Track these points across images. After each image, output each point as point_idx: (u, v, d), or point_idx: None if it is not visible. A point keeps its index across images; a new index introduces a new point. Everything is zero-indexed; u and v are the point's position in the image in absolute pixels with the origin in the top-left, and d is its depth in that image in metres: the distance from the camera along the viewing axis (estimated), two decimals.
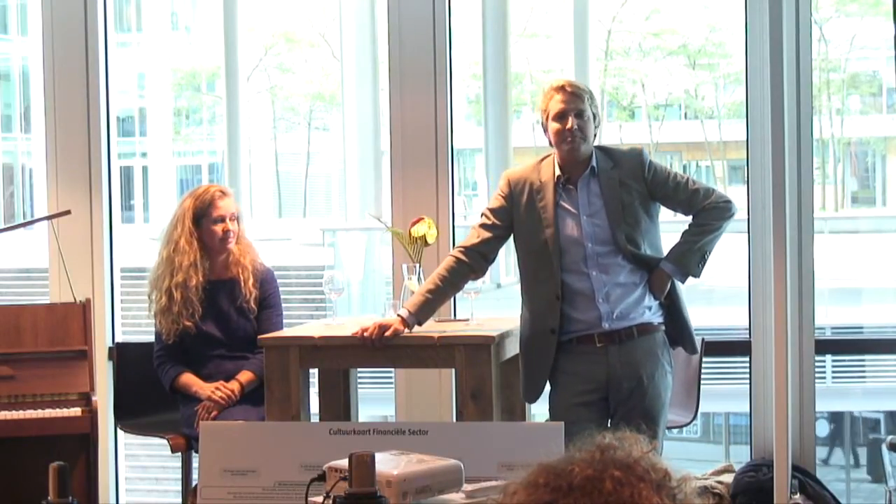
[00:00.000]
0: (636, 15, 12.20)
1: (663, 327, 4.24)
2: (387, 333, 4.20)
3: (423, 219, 4.67)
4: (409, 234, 4.65)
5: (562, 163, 4.23)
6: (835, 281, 8.85)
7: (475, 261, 4.31)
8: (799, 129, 4.95)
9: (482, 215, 4.37)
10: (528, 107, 12.72)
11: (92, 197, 5.43)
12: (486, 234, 4.31)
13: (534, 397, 4.32)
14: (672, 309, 4.25)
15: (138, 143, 12.33)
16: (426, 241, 4.64)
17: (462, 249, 4.33)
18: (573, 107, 4.17)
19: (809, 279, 5.01)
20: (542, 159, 4.29)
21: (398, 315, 4.26)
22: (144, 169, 12.19)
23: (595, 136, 4.25)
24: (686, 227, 4.28)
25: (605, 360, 4.18)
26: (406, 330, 4.23)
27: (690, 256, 4.20)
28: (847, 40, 11.54)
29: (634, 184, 4.21)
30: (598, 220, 4.20)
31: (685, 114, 13.55)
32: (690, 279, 4.28)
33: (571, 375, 4.20)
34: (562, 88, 4.20)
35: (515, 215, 4.27)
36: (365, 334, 4.21)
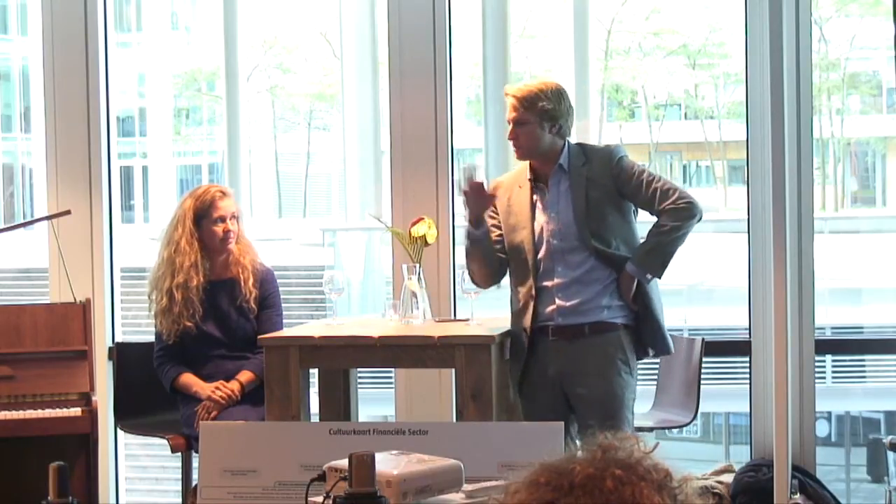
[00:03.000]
0: (636, 15, 12.19)
1: (624, 328, 4.24)
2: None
3: (423, 219, 4.67)
4: (409, 234, 4.65)
5: (533, 164, 4.33)
6: (835, 281, 8.85)
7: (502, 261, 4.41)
8: (799, 129, 4.95)
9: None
10: None
11: (92, 197, 5.43)
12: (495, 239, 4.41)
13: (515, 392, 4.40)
14: (642, 310, 4.24)
15: (138, 143, 12.33)
16: (426, 241, 4.64)
17: None
18: (511, 116, 4.27)
19: (809, 279, 5.01)
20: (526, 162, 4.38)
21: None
22: (144, 169, 12.18)
23: (559, 133, 4.25)
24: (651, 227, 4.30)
25: (556, 355, 4.24)
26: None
27: (652, 257, 4.21)
28: (847, 40, 11.53)
29: (602, 180, 4.25)
30: (565, 216, 4.25)
31: (685, 114, 13.55)
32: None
33: (530, 365, 4.29)
34: (506, 96, 4.31)
35: (502, 221, 4.35)
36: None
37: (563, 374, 4.24)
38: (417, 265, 4.58)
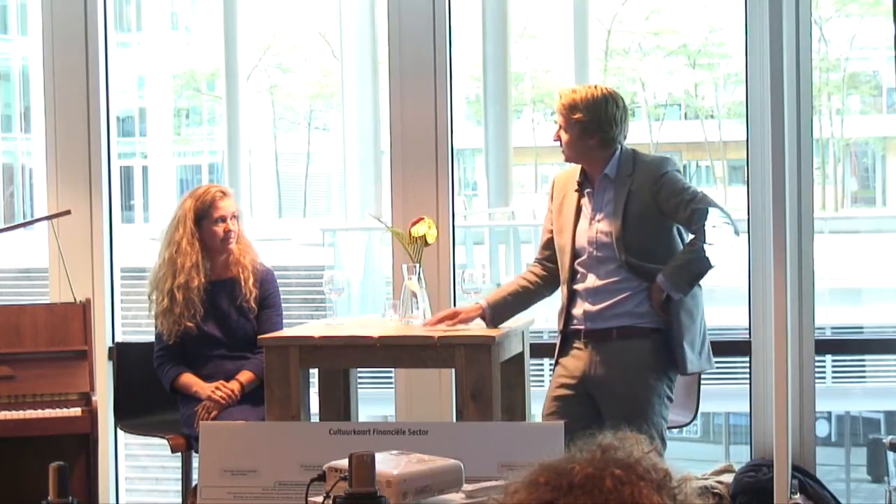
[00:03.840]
0: (636, 15, 12.21)
1: (655, 333, 4.22)
2: (455, 320, 4.27)
3: (423, 219, 4.67)
4: (409, 234, 4.64)
5: (586, 168, 4.33)
6: (835, 281, 8.86)
7: (546, 268, 4.42)
8: (799, 129, 4.95)
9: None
10: (529, 107, 12.72)
11: (92, 197, 5.42)
12: (545, 239, 4.46)
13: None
14: (668, 324, 4.22)
15: (138, 143, 12.35)
16: (426, 241, 4.63)
17: (535, 260, 4.48)
18: (559, 120, 4.28)
19: (809, 279, 5.01)
20: None
21: (477, 303, 4.35)
22: (144, 169, 12.21)
23: (601, 143, 4.22)
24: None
25: (586, 357, 4.26)
26: (481, 321, 4.33)
27: (680, 274, 4.19)
28: (847, 40, 11.55)
29: (643, 194, 4.21)
30: (604, 225, 4.23)
31: (685, 114, 13.56)
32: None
33: (560, 366, 4.32)
34: (557, 99, 4.32)
35: (553, 219, 4.39)
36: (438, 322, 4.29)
37: (591, 378, 4.24)
38: (417, 265, 4.57)
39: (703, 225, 4.15)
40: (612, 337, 4.22)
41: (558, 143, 4.29)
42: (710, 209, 4.17)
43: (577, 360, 4.27)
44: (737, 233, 4.23)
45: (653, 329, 4.22)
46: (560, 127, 4.26)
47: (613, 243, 4.20)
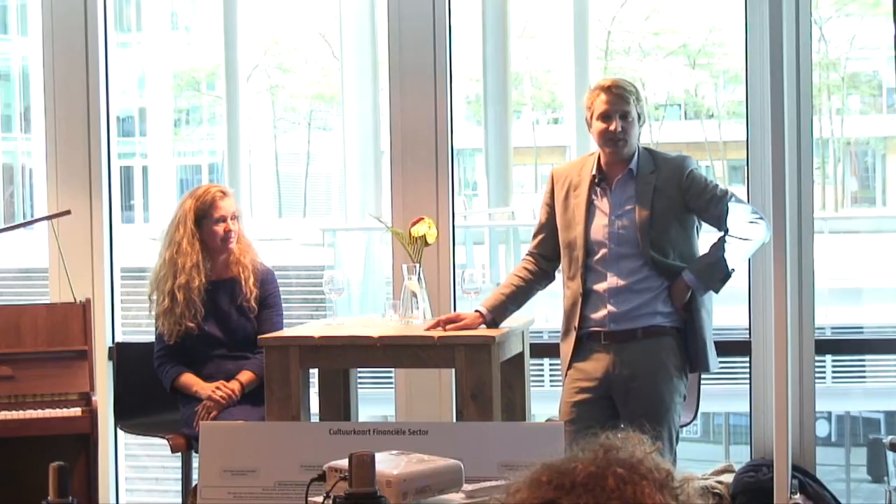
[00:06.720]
0: (636, 15, 12.22)
1: (675, 332, 4.22)
2: (460, 324, 4.22)
3: (423, 219, 4.67)
4: (409, 234, 4.64)
5: (604, 162, 4.27)
6: (835, 281, 8.86)
7: (539, 263, 4.40)
8: (799, 129, 4.95)
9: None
10: (528, 106, 12.72)
11: (92, 197, 5.42)
12: (540, 236, 4.41)
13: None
14: (689, 323, 4.22)
15: (138, 143, 12.36)
16: (426, 241, 4.63)
17: (528, 254, 4.45)
18: (618, 108, 4.19)
19: (809, 279, 5.01)
20: (590, 156, 4.35)
21: (476, 311, 4.32)
22: (144, 169, 12.21)
23: (639, 136, 4.26)
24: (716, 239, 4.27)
25: (607, 358, 4.21)
26: (483, 325, 4.29)
27: (712, 271, 4.18)
28: (847, 40, 11.55)
29: (670, 191, 4.20)
30: (627, 222, 4.20)
31: (685, 114, 13.56)
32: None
33: (577, 371, 4.27)
34: (608, 89, 4.22)
35: (556, 211, 4.34)
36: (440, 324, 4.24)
37: (614, 379, 4.21)
38: (417, 265, 4.57)
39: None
40: (636, 337, 4.19)
41: (620, 137, 4.19)
42: (741, 206, 4.20)
43: (598, 362, 4.22)
44: (768, 232, 4.23)
45: (674, 327, 4.22)
46: (623, 117, 4.19)
47: (639, 239, 4.17)
